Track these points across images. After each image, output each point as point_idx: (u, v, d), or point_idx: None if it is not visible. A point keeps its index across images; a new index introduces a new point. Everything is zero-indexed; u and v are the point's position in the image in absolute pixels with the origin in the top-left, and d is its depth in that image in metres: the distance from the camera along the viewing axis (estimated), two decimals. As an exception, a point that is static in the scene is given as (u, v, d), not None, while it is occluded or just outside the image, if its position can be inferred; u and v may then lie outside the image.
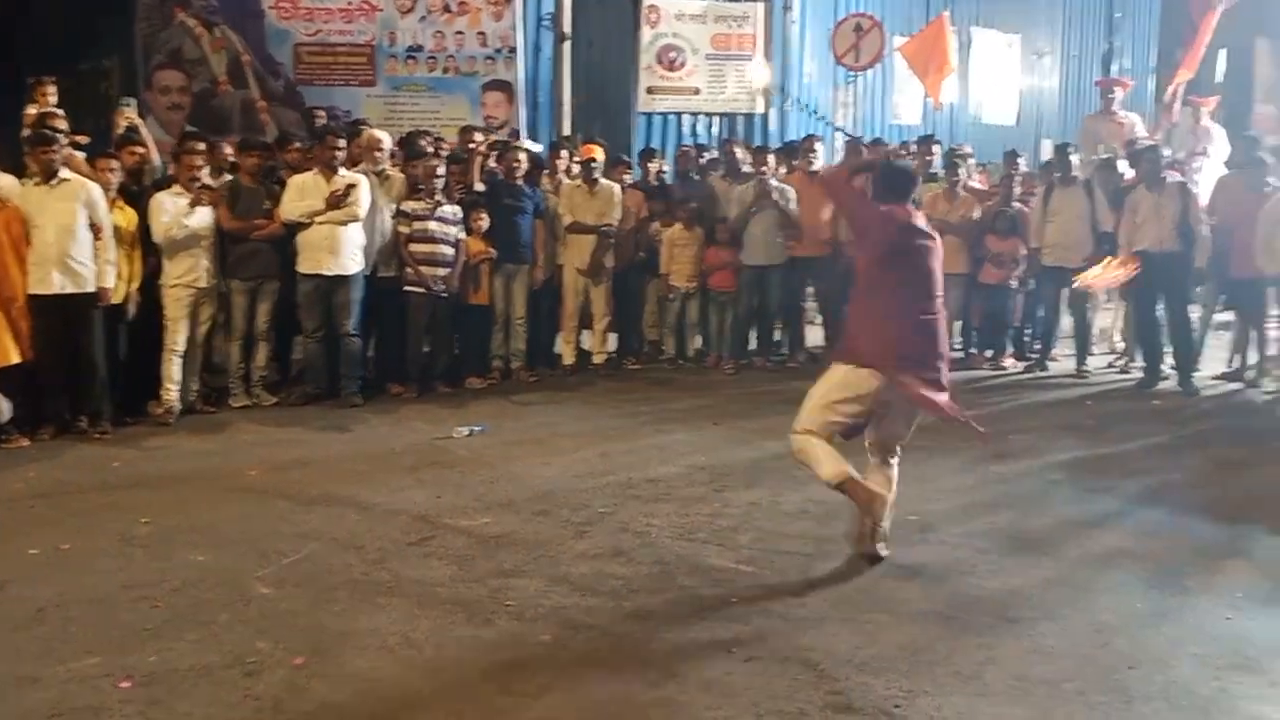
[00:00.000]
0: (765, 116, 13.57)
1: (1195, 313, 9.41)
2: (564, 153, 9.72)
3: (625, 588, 4.54)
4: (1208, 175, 10.71)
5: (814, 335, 10.25)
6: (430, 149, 8.69)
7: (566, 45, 12.43)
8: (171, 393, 7.41)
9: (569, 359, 9.38)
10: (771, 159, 9.80)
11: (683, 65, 13.18)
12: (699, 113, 13.41)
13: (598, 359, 9.47)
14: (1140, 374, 9.19)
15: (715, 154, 11.03)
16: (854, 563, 4.85)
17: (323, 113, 10.03)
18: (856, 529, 4.96)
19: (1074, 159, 9.79)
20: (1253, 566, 4.91)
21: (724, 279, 9.54)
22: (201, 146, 7.62)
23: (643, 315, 9.84)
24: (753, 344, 9.93)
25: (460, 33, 11.63)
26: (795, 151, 10.16)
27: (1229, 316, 9.75)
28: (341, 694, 3.62)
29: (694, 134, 13.23)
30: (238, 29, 11.21)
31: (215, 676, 3.73)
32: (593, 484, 6.02)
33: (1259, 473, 6.59)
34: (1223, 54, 13.62)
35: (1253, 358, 9.24)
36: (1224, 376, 9.34)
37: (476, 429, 7.20)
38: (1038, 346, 10.03)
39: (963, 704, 3.56)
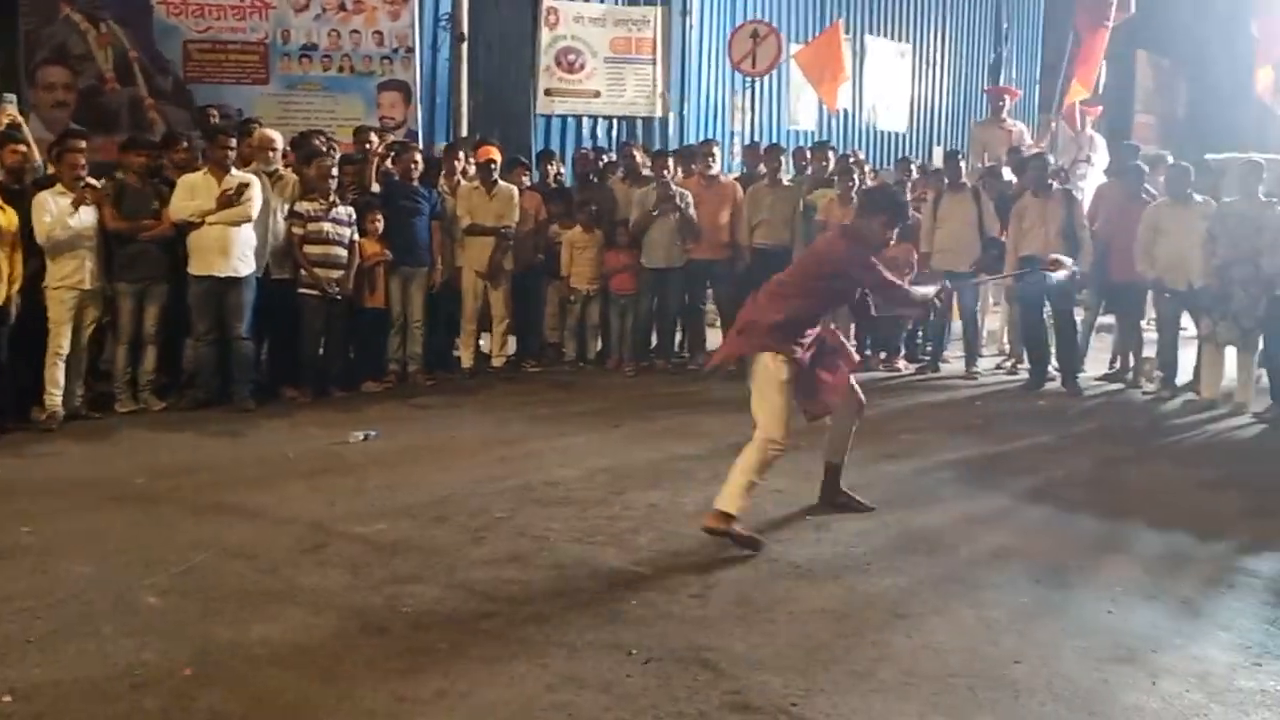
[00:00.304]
0: (664, 120, 13.65)
1: (1079, 316, 9.72)
2: (461, 154, 9.66)
3: (523, 592, 4.52)
4: (1091, 183, 11.08)
5: (714, 338, 10.33)
6: (324, 149, 8.56)
7: (464, 46, 12.34)
8: (55, 398, 7.18)
9: (468, 362, 9.32)
10: (671, 162, 9.87)
11: (582, 68, 13.19)
12: (598, 115, 13.44)
13: (497, 362, 9.42)
14: (1027, 375, 9.45)
15: (613, 157, 11.06)
16: (752, 563, 4.90)
17: (215, 111, 9.82)
18: None
19: (963, 165, 10.04)
20: (1132, 561, 5.08)
21: (624, 281, 9.58)
22: (83, 144, 7.41)
23: (543, 318, 9.83)
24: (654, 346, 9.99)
25: (356, 32, 11.47)
26: (693, 155, 10.24)
27: (1111, 319, 10.08)
28: (232, 705, 3.55)
29: (593, 137, 13.25)
30: (125, 25, 10.89)
31: (101, 689, 3.62)
32: (491, 488, 5.98)
33: (1139, 470, 6.84)
34: (1103, 65, 14.14)
35: (1133, 359, 9.57)
36: (1106, 377, 9.67)
37: (372, 434, 7.11)
38: (929, 348, 10.27)
39: (857, 700, 3.62)
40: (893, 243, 5.42)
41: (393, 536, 5.17)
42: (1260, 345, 8.25)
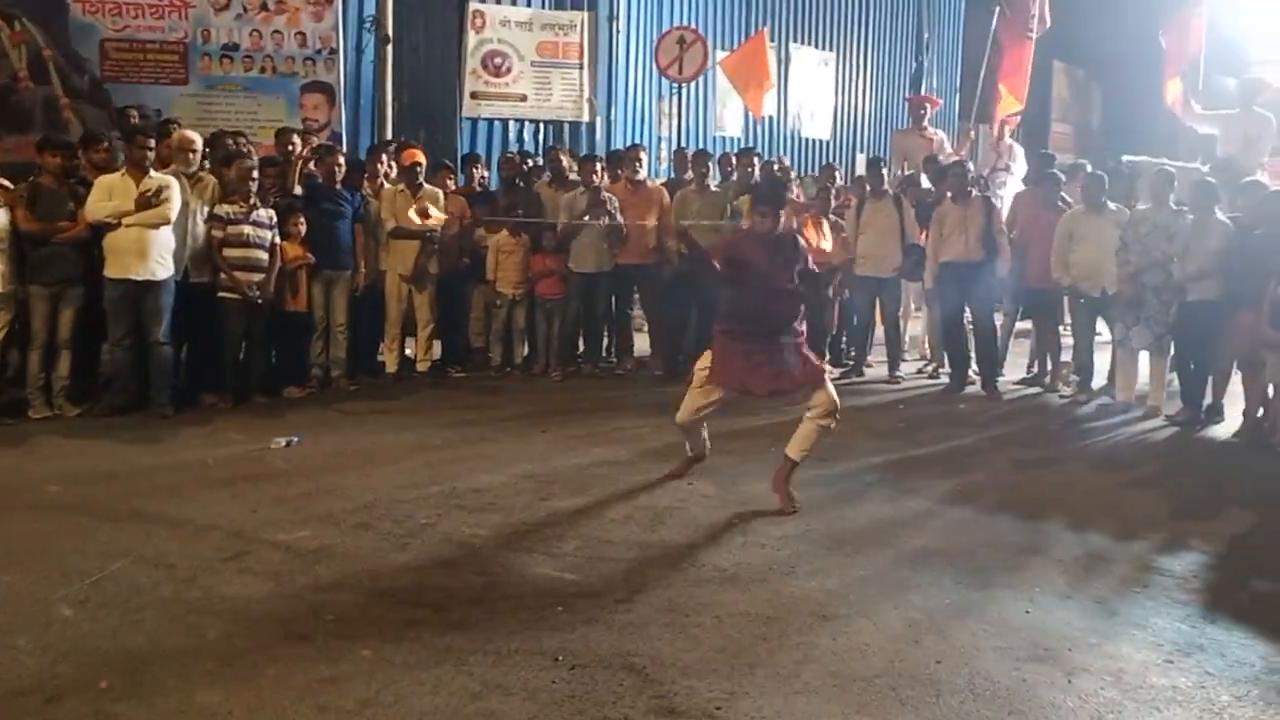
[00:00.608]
0: (591, 125, 13.66)
1: (998, 321, 9.91)
2: (384, 156, 9.57)
3: (448, 599, 4.48)
4: (1010, 191, 11.30)
5: (641, 342, 10.35)
6: (243, 149, 8.44)
7: (389, 48, 12.23)
8: (-36, 404, 7.01)
9: (392, 367, 9.23)
10: (599, 167, 9.87)
11: (508, 71, 13.14)
12: (525, 119, 13.40)
13: (422, 367, 9.35)
14: (948, 379, 9.61)
15: (540, 161, 11.04)
16: (678, 568, 4.92)
17: (134, 111, 9.63)
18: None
19: (885, 173, 10.19)
20: (1049, 561, 5.18)
21: (551, 286, 9.55)
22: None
23: (468, 322, 9.77)
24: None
25: (278, 32, 11.32)
26: (620, 160, 10.25)
27: (1029, 324, 10.29)
28: (150, 717, 3.48)
29: (519, 140, 13.21)
30: (39, 22, 10.64)
31: (14, 705, 3.53)
32: (415, 495, 5.93)
33: (1056, 471, 6.98)
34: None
35: (1050, 363, 9.77)
36: (1024, 381, 9.86)
37: (295, 439, 7.01)
38: (853, 353, 10.39)
39: (781, 703, 3.65)
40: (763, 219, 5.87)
41: (315, 544, 5.11)
42: (1172, 350, 8.47)
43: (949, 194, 9.39)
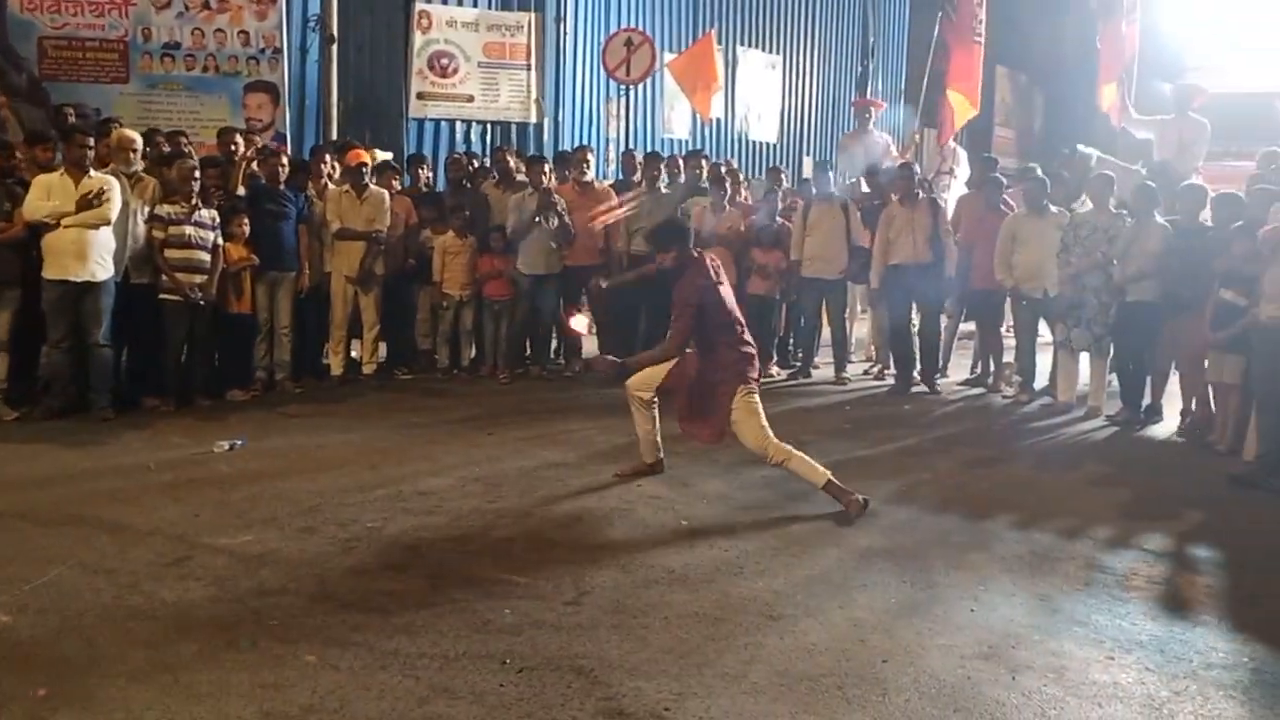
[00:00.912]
0: (538, 126, 13.64)
1: (943, 322, 10.02)
2: (328, 157, 9.49)
3: (394, 603, 4.45)
4: (953, 194, 11.43)
5: (589, 344, 10.33)
6: (183, 148, 8.33)
7: (334, 47, 12.14)
8: (-102, 408, 6.86)
9: (337, 369, 9.15)
10: (548, 168, 9.85)
11: (455, 72, 13.10)
12: (471, 120, 13.36)
13: (368, 369, 9.28)
14: (893, 381, 9.69)
15: (486, 162, 11.00)
16: (626, 569, 4.92)
17: (72, 110, 9.48)
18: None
19: (831, 176, 10.27)
20: (993, 559, 5.24)
21: (499, 287, 9.51)
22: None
23: (414, 324, 9.71)
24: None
25: (221, 31, 11.21)
26: (567, 162, 10.24)
27: (974, 326, 10.40)
28: (89, 726, 3.42)
29: (466, 141, 13.17)
30: (-25, 20, 10.49)
31: (-54, 714, 3.46)
32: (361, 498, 5.88)
33: (1000, 471, 7.06)
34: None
35: (993, 364, 9.89)
36: (967, 382, 9.97)
37: (238, 443, 6.93)
38: (800, 355, 10.45)
39: (729, 703, 3.66)
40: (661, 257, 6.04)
41: (259, 548, 5.05)
42: (1111, 351, 8.60)
43: (895, 196, 9.47)
